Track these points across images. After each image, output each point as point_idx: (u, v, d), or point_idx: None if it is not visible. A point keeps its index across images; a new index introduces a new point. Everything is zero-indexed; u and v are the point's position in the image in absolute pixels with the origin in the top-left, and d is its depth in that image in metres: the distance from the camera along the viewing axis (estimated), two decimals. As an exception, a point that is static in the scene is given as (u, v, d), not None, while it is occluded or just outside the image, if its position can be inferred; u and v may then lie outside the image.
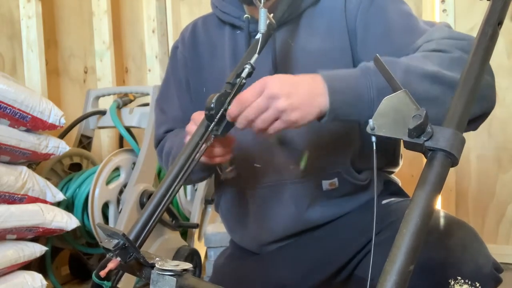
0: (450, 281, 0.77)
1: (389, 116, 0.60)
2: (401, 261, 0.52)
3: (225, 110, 0.81)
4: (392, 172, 1.13)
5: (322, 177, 1.01)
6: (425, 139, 0.58)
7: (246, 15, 1.04)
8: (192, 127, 0.90)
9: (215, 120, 0.81)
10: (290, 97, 0.76)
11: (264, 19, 0.88)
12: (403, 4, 0.99)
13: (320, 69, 0.87)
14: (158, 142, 1.16)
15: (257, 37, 0.89)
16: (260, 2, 0.88)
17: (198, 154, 0.81)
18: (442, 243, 0.84)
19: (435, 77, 0.77)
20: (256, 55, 0.86)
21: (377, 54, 0.66)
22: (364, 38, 0.97)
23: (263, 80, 0.79)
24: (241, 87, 0.84)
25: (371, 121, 0.60)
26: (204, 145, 0.82)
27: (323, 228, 1.05)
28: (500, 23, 0.66)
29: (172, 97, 1.17)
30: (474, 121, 0.82)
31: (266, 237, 1.08)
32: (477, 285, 0.77)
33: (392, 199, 1.04)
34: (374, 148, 0.61)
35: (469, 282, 0.76)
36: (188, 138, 0.89)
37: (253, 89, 0.78)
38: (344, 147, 1.00)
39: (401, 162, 1.13)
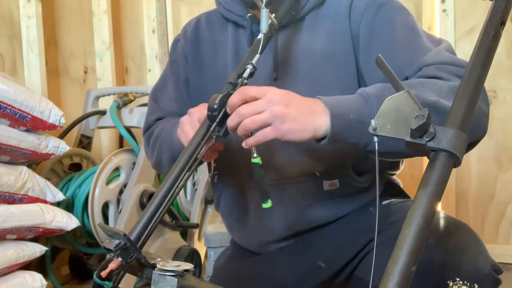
0: (448, 282, 0.76)
1: (391, 116, 0.59)
2: (403, 262, 0.52)
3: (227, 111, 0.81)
4: (393, 175, 1.13)
5: (322, 177, 1.01)
6: (427, 139, 0.57)
7: (249, 14, 1.03)
8: (186, 119, 0.91)
9: (217, 120, 0.80)
10: (288, 106, 0.77)
11: (265, 19, 0.88)
12: (408, 16, 0.98)
13: (321, 72, 0.86)
14: (148, 128, 1.16)
15: (258, 37, 0.89)
16: (262, 2, 0.88)
17: (199, 154, 0.81)
18: (441, 244, 0.83)
19: (434, 106, 0.76)
20: (257, 55, 0.86)
21: (379, 54, 0.65)
22: (367, 47, 0.96)
23: (269, 87, 0.79)
24: (242, 88, 0.84)
25: (373, 121, 0.60)
26: (205, 146, 0.82)
27: (323, 229, 1.05)
28: (502, 23, 0.66)
29: (169, 89, 1.16)
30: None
31: (267, 236, 1.08)
32: (476, 286, 0.76)
33: (393, 200, 1.04)
34: (376, 148, 0.61)
35: (468, 283, 0.76)
36: (185, 130, 0.90)
37: (259, 87, 0.79)
38: (344, 151, 1.00)
39: (401, 166, 1.13)
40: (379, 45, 0.95)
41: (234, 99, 0.80)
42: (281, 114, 0.76)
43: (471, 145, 0.82)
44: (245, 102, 0.79)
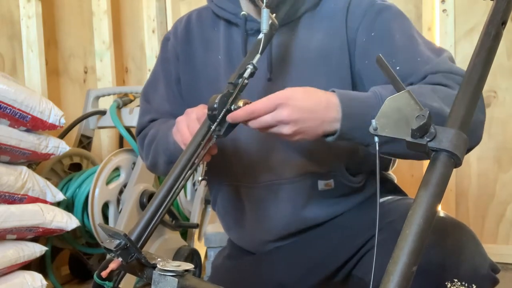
0: (446, 283, 0.76)
1: (392, 117, 0.59)
2: (404, 262, 0.52)
3: (228, 110, 0.81)
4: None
5: (318, 177, 1.01)
6: (428, 139, 0.57)
7: (243, 12, 1.01)
8: (182, 119, 0.91)
9: (218, 120, 0.80)
10: (298, 124, 0.79)
11: (266, 19, 0.87)
12: (407, 24, 0.98)
13: (314, 73, 0.85)
14: (141, 130, 1.14)
15: (259, 37, 0.88)
16: (263, 2, 0.88)
17: (199, 154, 0.81)
18: (438, 244, 0.83)
19: (440, 114, 0.77)
20: (258, 55, 0.86)
21: (380, 55, 0.65)
22: (365, 53, 0.96)
23: (280, 98, 0.79)
24: (243, 88, 0.84)
25: (374, 121, 0.60)
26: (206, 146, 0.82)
27: (320, 228, 1.05)
28: (503, 23, 0.66)
29: (160, 89, 1.14)
30: None
31: (263, 236, 1.08)
32: (474, 287, 0.76)
33: (389, 197, 1.04)
34: (377, 148, 0.61)
35: (466, 284, 0.76)
36: (180, 128, 0.90)
37: (266, 103, 0.79)
38: (338, 151, 1.00)
39: (392, 167, 1.13)
40: (378, 53, 0.94)
41: (239, 117, 0.80)
42: (289, 134, 0.80)
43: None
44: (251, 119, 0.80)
